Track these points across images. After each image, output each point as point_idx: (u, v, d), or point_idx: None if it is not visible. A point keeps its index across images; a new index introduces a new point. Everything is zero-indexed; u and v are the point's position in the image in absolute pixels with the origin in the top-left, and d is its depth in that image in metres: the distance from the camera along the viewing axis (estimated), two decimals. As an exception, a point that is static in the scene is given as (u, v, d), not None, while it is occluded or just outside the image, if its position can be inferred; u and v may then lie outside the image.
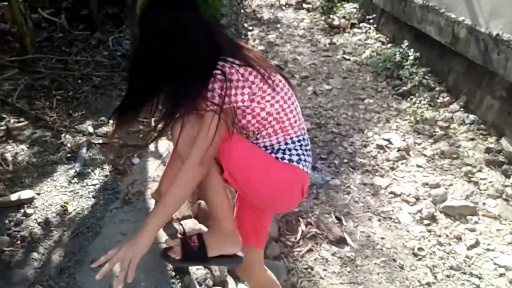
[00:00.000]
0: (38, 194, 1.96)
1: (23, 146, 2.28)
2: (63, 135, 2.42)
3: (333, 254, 2.58)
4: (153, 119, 1.44)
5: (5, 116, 2.51)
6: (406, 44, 5.12)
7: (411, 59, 4.85)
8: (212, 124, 1.31)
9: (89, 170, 2.16)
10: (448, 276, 2.45)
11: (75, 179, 2.09)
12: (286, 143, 1.50)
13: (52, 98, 2.79)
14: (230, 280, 1.98)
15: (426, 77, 4.61)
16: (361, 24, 6.66)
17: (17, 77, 2.94)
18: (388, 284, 2.39)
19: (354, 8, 7.02)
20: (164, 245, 1.58)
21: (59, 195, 1.97)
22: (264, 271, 1.73)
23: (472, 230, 2.77)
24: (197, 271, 1.74)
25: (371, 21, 6.56)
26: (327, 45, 6.21)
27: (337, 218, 2.86)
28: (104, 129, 2.54)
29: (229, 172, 1.44)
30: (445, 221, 2.87)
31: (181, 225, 1.90)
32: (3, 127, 2.38)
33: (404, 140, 3.76)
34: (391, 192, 3.14)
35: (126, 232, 1.77)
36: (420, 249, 2.62)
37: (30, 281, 1.54)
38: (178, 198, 1.39)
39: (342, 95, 4.70)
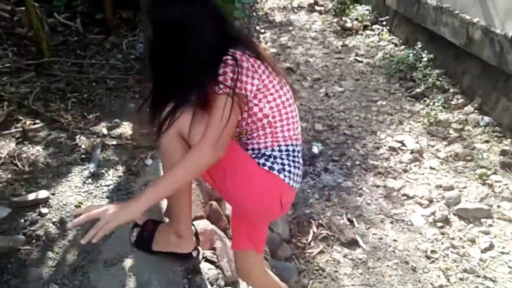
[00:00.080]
0: (53, 194, 1.99)
1: (38, 147, 2.32)
2: (77, 136, 2.45)
3: (344, 256, 2.57)
4: (165, 111, 1.42)
5: (21, 118, 2.56)
6: (419, 45, 5.08)
7: (424, 61, 4.81)
8: (226, 106, 1.28)
9: (103, 171, 2.19)
10: (461, 279, 2.42)
11: (89, 180, 2.12)
12: (272, 150, 1.46)
13: (67, 100, 2.84)
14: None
15: (440, 79, 4.56)
16: (373, 26, 6.63)
17: (34, 80, 3.00)
18: (401, 286, 2.38)
19: (367, 10, 6.99)
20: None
21: (73, 195, 2.01)
22: (265, 274, 1.73)
23: (486, 233, 2.73)
24: (208, 271, 1.75)
25: (384, 23, 6.52)
26: (340, 47, 6.19)
27: (349, 220, 2.85)
28: (118, 130, 2.58)
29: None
30: (459, 223, 2.84)
31: (193, 225, 1.91)
32: (20, 129, 2.43)
33: (417, 142, 3.73)
34: (404, 194, 3.12)
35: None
36: (433, 251, 2.59)
37: (45, 280, 1.57)
38: (183, 176, 1.32)
39: (355, 97, 4.68)
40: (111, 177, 2.16)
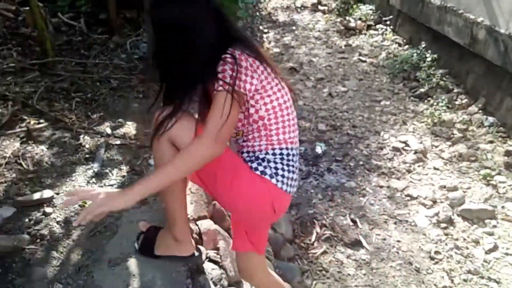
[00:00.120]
0: (57, 193, 2.00)
1: (43, 147, 2.33)
2: (81, 136, 2.46)
3: (348, 257, 2.57)
4: (162, 114, 1.42)
5: (25, 117, 2.57)
6: (423, 45, 5.06)
7: (428, 61, 4.80)
8: (226, 103, 1.27)
9: (107, 171, 2.20)
10: (465, 280, 2.42)
11: (93, 179, 2.13)
12: (266, 153, 1.44)
13: (71, 100, 2.85)
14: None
15: (444, 78, 4.55)
16: (377, 26, 6.61)
17: (38, 80, 3.01)
18: (404, 287, 2.37)
19: (370, 9, 6.97)
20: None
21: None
22: (267, 274, 1.73)
23: (491, 234, 2.72)
24: (212, 271, 1.75)
25: (388, 22, 6.50)
26: (343, 47, 6.18)
27: (352, 220, 2.85)
28: (122, 130, 2.58)
29: (196, 171, 1.45)
30: (463, 224, 2.83)
31: (197, 225, 1.92)
32: (24, 129, 2.44)
33: (421, 143, 3.72)
34: (408, 195, 3.11)
35: (143, 231, 1.80)
36: (436, 252, 2.58)
37: (49, 279, 1.57)
38: (180, 169, 1.30)
39: (358, 97, 4.68)
40: (115, 176, 2.16)
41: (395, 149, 3.66)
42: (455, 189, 3.11)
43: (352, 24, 6.76)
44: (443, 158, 3.52)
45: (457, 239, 2.71)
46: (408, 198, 3.09)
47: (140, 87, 3.13)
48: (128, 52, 3.64)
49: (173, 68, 1.39)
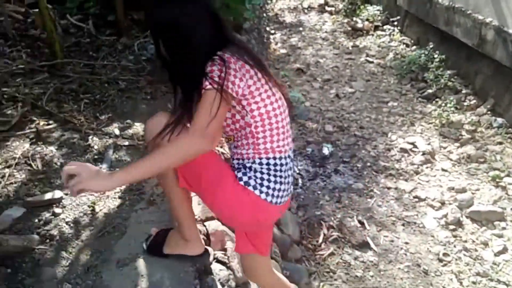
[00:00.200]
0: (66, 194, 2.02)
1: (52, 148, 2.35)
2: (90, 137, 2.48)
3: (355, 258, 2.56)
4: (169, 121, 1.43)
5: (35, 118, 2.60)
6: (431, 46, 5.04)
7: (436, 61, 4.77)
8: (215, 101, 1.26)
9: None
10: (474, 283, 2.40)
11: (102, 180, 2.14)
12: (253, 162, 1.41)
13: (80, 101, 2.87)
14: (252, 282, 1.98)
15: (452, 79, 4.52)
16: (384, 27, 6.59)
17: (47, 81, 3.04)
18: (412, 289, 2.36)
19: (378, 10, 6.95)
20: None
21: (86, 195, 2.03)
22: (272, 275, 1.73)
23: (500, 236, 2.70)
24: (219, 271, 1.76)
25: (395, 23, 6.48)
26: (350, 48, 6.17)
27: (360, 222, 2.84)
28: (130, 131, 2.60)
29: (182, 174, 1.45)
30: (472, 226, 2.81)
31: (204, 226, 1.92)
32: (33, 130, 2.46)
33: (429, 144, 3.70)
34: (416, 197, 3.09)
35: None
36: (445, 254, 2.57)
37: (59, 279, 1.59)
38: (164, 162, 1.28)
39: (365, 98, 4.66)
40: (123, 177, 2.17)
41: (403, 150, 3.64)
42: (463, 190, 3.09)
43: (359, 25, 6.75)
44: (451, 160, 3.49)
45: (465, 241, 2.69)
46: (416, 199, 3.07)
47: (148, 89, 3.15)
48: (136, 54, 3.66)
49: (174, 68, 1.42)
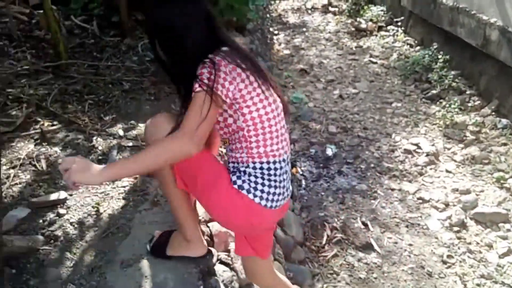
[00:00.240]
0: (71, 195, 2.02)
1: (56, 149, 2.36)
2: (94, 138, 2.49)
3: (359, 260, 2.55)
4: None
5: (39, 119, 2.61)
6: (435, 46, 5.03)
7: (440, 62, 4.76)
8: (205, 103, 1.26)
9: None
10: (478, 285, 2.39)
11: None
12: (247, 166, 1.40)
13: (84, 102, 2.88)
14: (256, 283, 1.98)
15: (456, 80, 4.51)
16: (388, 27, 6.58)
17: (51, 82, 3.05)
18: (416, 291, 2.35)
19: (382, 10, 6.95)
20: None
21: (90, 196, 2.03)
22: (273, 277, 1.73)
23: (504, 238, 2.69)
24: (223, 273, 1.75)
25: (399, 23, 6.47)
26: (354, 49, 6.16)
27: (363, 223, 2.83)
28: (134, 132, 2.60)
29: (179, 175, 1.45)
30: (476, 228, 2.80)
31: (208, 227, 1.93)
32: (38, 130, 2.47)
33: (433, 145, 3.69)
34: (420, 198, 3.08)
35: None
36: (449, 256, 2.56)
37: (63, 280, 1.59)
38: (150, 161, 1.28)
39: (369, 99, 4.65)
40: (127, 178, 2.18)
41: (407, 151, 3.63)
42: (468, 192, 3.08)
43: (363, 26, 6.74)
44: (455, 161, 3.48)
45: (470, 243, 2.68)
46: (420, 201, 3.06)
47: (152, 89, 3.15)
48: (140, 55, 3.67)
49: (170, 69, 1.44)
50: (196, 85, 1.28)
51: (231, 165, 1.46)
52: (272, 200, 1.42)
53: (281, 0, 9.12)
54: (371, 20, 6.85)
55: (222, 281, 1.72)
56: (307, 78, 5.28)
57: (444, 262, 2.54)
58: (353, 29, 6.81)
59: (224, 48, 1.37)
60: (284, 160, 1.45)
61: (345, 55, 5.95)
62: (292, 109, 4.40)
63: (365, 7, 7.33)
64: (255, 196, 1.39)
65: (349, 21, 7.19)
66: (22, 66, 3.17)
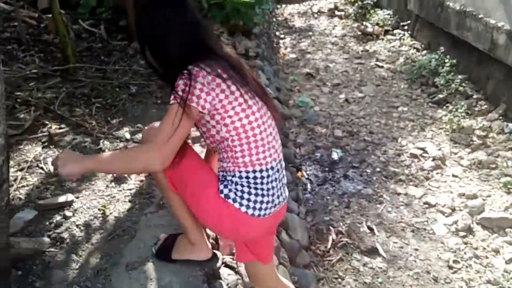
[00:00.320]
0: (77, 197, 2.04)
1: (64, 152, 2.38)
2: (101, 141, 2.51)
3: (364, 265, 2.54)
4: None
5: (47, 122, 2.64)
6: (442, 50, 5.01)
7: (447, 66, 4.74)
8: (176, 116, 1.28)
9: (126, 175, 2.23)
10: (485, 291, 2.37)
11: (112, 184, 2.17)
12: (234, 175, 1.40)
13: (92, 105, 2.91)
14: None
15: (463, 84, 4.48)
16: (395, 31, 6.56)
17: (59, 86, 3.09)
18: (422, 296, 2.34)
19: (388, 14, 6.93)
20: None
21: (97, 198, 2.05)
22: (277, 282, 1.72)
23: (511, 243, 2.66)
24: (228, 276, 1.76)
25: (406, 27, 6.45)
26: (360, 52, 6.15)
27: (369, 228, 2.82)
28: (140, 135, 2.62)
29: (169, 177, 1.46)
30: (482, 233, 2.78)
31: (213, 230, 1.93)
32: (46, 133, 2.50)
33: (439, 149, 3.67)
34: (426, 203, 3.07)
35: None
36: (455, 261, 2.54)
37: (69, 282, 1.61)
38: (119, 167, 1.40)
39: (375, 103, 4.64)
40: (133, 181, 2.20)
41: (413, 155, 3.62)
42: (474, 197, 3.06)
43: (369, 29, 6.73)
44: (462, 165, 3.46)
45: (476, 248, 2.66)
46: (426, 205, 3.05)
47: (158, 93, 3.18)
48: (147, 58, 3.69)
49: (159, 74, 1.48)
50: (172, 97, 1.30)
51: (220, 173, 1.46)
52: (260, 209, 1.42)
53: (288, 4, 9.14)
54: (377, 24, 6.84)
55: (227, 284, 1.72)
56: (313, 82, 5.29)
57: (450, 268, 2.52)
58: (359, 33, 6.81)
59: (210, 56, 1.37)
60: (272, 168, 1.43)
61: (351, 59, 5.94)
62: (298, 113, 4.40)
63: (372, 11, 7.32)
64: (241, 205, 1.39)
65: (356, 25, 7.18)
66: (31, 70, 3.21)
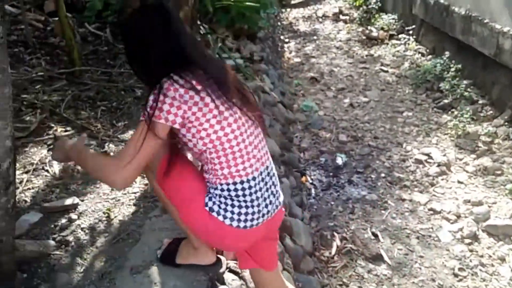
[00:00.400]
0: (82, 200, 2.05)
1: (69, 154, 2.39)
2: (107, 144, 2.52)
3: (369, 271, 2.53)
4: None
5: (53, 125, 2.64)
6: (447, 55, 5.00)
7: (452, 71, 4.73)
8: (142, 134, 1.27)
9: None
10: (491, 299, 2.35)
11: (117, 187, 2.16)
12: (216, 188, 1.39)
13: (97, 108, 2.91)
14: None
15: (469, 89, 4.47)
16: (400, 35, 6.57)
17: (65, 89, 3.10)
18: (427, 304, 2.32)
19: (393, 19, 6.93)
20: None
21: (102, 202, 2.05)
22: (282, 287, 1.72)
23: (518, 251, 2.64)
24: (232, 281, 1.75)
25: (411, 32, 6.45)
26: (365, 57, 6.15)
27: (373, 234, 2.81)
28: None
29: (161, 186, 1.46)
30: (488, 240, 2.76)
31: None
32: (51, 136, 2.51)
33: (444, 155, 3.65)
34: (431, 209, 3.05)
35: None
36: (460, 269, 2.52)
37: (73, 285, 1.60)
38: (91, 172, 1.44)
39: (380, 108, 4.63)
40: (138, 184, 2.20)
41: (418, 161, 3.60)
42: (480, 203, 3.04)
43: (374, 34, 6.74)
44: (467, 172, 3.44)
45: (482, 256, 2.64)
46: (431, 212, 3.03)
47: (163, 96, 3.18)
48: (152, 62, 3.70)
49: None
50: (142, 114, 1.30)
51: (208, 185, 1.44)
52: (246, 220, 1.39)
53: (292, 8, 9.16)
54: (382, 28, 6.85)
55: (231, 289, 1.71)
56: (318, 86, 5.29)
57: (456, 275, 2.50)
58: (364, 37, 6.81)
59: (189, 68, 1.34)
60: (254, 179, 1.40)
61: (356, 64, 5.94)
62: (302, 117, 4.40)
63: (376, 16, 7.33)
64: (225, 217, 1.38)
65: (360, 29, 7.18)
66: (37, 73, 3.22)
